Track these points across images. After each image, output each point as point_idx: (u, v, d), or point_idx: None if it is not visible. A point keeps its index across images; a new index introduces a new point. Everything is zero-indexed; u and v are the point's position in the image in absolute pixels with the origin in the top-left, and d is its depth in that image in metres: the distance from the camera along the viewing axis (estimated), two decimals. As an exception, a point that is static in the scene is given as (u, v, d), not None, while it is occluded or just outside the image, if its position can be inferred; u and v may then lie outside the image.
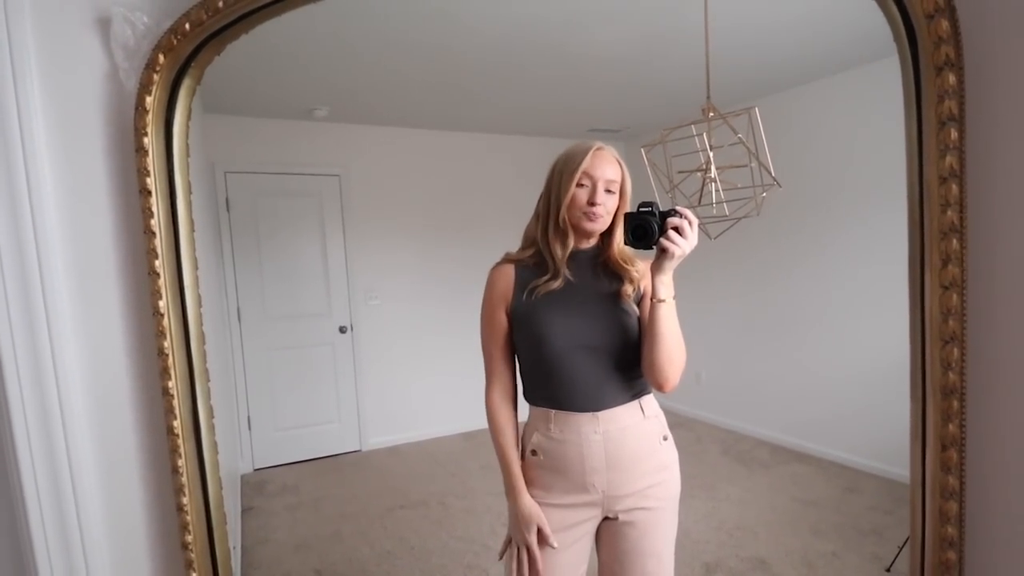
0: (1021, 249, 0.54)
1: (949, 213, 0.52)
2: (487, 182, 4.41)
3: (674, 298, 1.14)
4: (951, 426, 0.54)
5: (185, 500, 0.65)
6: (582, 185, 1.16)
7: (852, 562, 2.51)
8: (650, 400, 1.26)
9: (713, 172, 2.06)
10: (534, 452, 1.23)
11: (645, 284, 1.21)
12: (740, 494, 3.23)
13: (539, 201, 1.26)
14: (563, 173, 1.18)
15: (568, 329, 1.18)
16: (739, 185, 2.24)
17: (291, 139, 3.77)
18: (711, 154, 2.06)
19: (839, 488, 3.20)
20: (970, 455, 0.56)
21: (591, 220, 1.17)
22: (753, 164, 2.11)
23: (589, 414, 1.18)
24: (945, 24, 0.50)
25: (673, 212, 1.10)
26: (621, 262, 1.23)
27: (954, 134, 0.51)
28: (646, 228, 1.10)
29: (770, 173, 2.07)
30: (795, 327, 3.71)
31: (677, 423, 4.18)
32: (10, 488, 0.62)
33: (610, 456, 1.18)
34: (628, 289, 1.21)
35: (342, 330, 4.00)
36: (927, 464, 0.55)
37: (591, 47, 2.72)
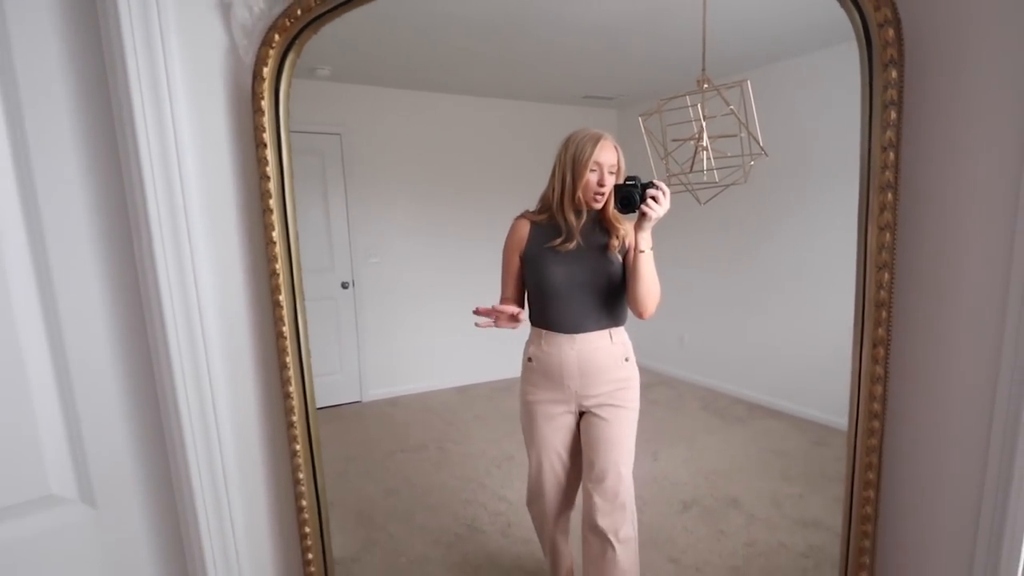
0: (937, 200, 0.74)
1: (887, 173, 0.70)
2: (484, 145, 4.53)
3: (652, 249, 1.48)
4: (880, 330, 0.74)
5: (291, 389, 0.83)
6: (592, 171, 1.49)
7: (816, 502, 2.77)
8: (620, 331, 1.63)
9: (705, 141, 2.23)
10: (530, 359, 1.64)
11: (629, 240, 1.53)
12: (717, 444, 3.49)
13: (552, 176, 1.57)
14: (576, 161, 1.49)
15: (565, 273, 1.54)
16: (729, 154, 2.41)
17: (294, 98, 3.85)
18: (704, 124, 2.22)
19: (808, 441, 3.47)
20: (893, 352, 0.77)
21: (598, 200, 1.52)
22: (743, 134, 2.28)
23: (568, 335, 1.55)
24: (891, 32, 0.67)
25: (651, 184, 1.41)
26: (613, 222, 1.57)
27: (893, 114, 0.69)
28: (631, 198, 1.42)
29: (758, 143, 2.24)
30: (774, 292, 3.93)
31: (661, 382, 4.43)
32: (161, 374, 0.80)
33: (581, 366, 1.56)
34: (615, 243, 1.56)
35: (344, 286, 4.15)
36: (863, 359, 0.75)
37: (589, 15, 2.83)
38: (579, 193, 1.51)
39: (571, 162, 1.50)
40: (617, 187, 1.46)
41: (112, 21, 0.70)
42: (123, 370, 0.84)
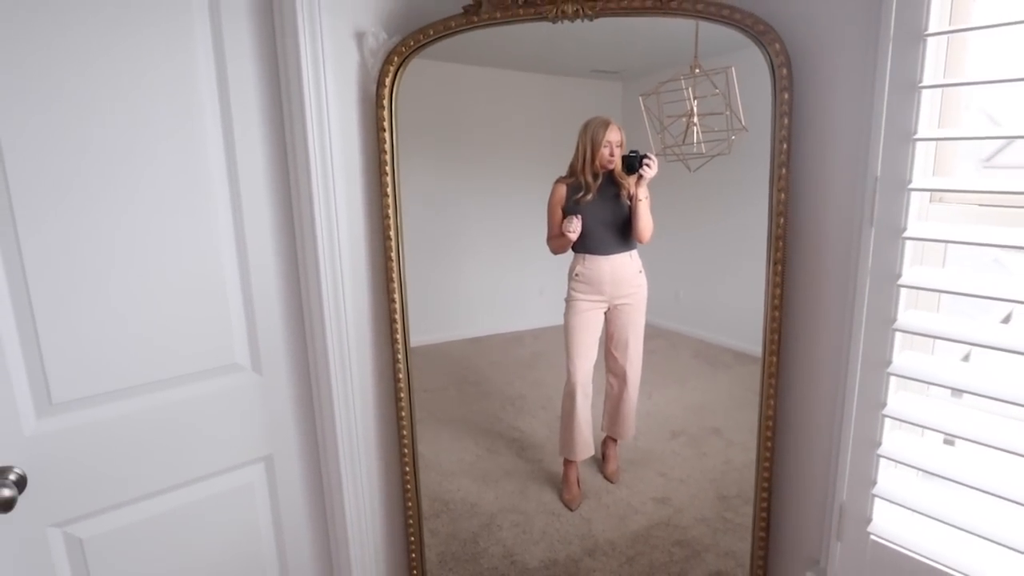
0: (812, 170, 1.20)
1: (782, 156, 1.14)
2: (497, 115, 4.79)
3: (647, 198, 2.08)
4: (778, 253, 1.18)
5: (395, 295, 1.27)
6: (605, 147, 2.06)
7: (784, 430, 3.21)
8: (635, 253, 2.22)
9: (695, 118, 2.60)
10: (576, 275, 2.20)
11: (632, 192, 2.10)
12: (704, 385, 3.90)
13: (576, 151, 2.15)
14: (594, 141, 2.09)
15: (593, 215, 2.10)
16: (715, 129, 2.78)
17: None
18: (695, 103, 2.59)
19: (785, 384, 3.90)
20: (787, 267, 1.21)
21: (611, 163, 2.07)
22: (727, 112, 2.63)
23: (603, 256, 2.16)
24: (785, 71, 1.11)
25: (646, 156, 2.02)
26: (620, 180, 2.12)
27: (787, 120, 1.12)
28: (633, 164, 2.01)
29: (740, 120, 2.59)
30: (755, 250, 4.31)
31: (658, 334, 4.80)
32: (308, 278, 1.24)
33: (613, 278, 2.18)
34: (624, 194, 2.14)
35: (371, 244, 4.52)
36: (769, 274, 1.19)
37: None
38: (597, 162, 2.08)
39: (590, 142, 2.10)
40: (624, 157, 2.03)
41: (291, 46, 1.12)
42: (282, 272, 1.27)
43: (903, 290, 1.03)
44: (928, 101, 0.99)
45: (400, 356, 1.34)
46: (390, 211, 1.27)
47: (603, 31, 3.54)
